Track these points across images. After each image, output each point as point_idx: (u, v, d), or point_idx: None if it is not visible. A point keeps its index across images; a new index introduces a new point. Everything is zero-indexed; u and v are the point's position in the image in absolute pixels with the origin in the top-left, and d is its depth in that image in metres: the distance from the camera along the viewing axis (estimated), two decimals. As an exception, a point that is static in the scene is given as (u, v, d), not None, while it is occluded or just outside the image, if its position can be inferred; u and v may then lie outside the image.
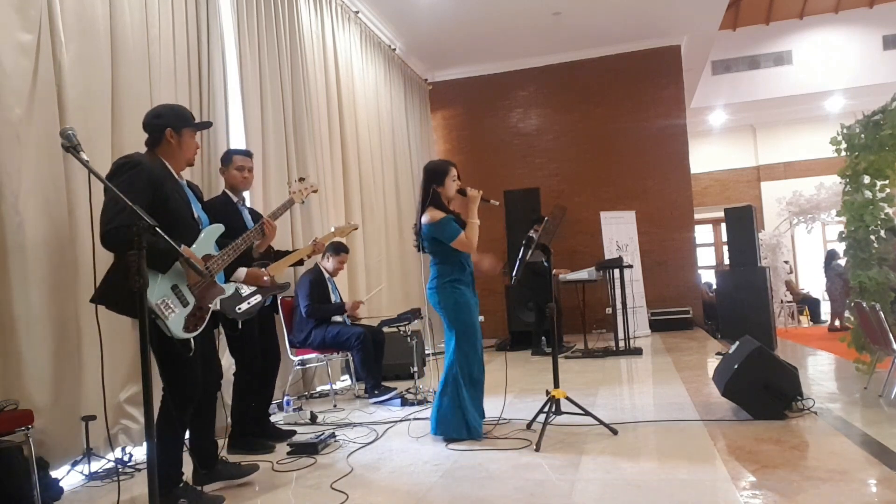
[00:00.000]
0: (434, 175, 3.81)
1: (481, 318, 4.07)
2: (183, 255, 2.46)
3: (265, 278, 3.63)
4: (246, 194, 4.10)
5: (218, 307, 2.91)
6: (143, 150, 2.85)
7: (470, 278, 3.85)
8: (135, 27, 4.00)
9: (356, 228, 4.68)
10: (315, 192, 3.91)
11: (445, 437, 3.69)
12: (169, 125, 2.78)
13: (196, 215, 2.86)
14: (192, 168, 3.31)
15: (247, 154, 3.98)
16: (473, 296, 3.85)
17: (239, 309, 3.55)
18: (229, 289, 2.93)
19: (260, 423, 3.96)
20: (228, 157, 3.93)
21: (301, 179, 3.80)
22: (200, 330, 2.69)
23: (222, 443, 3.68)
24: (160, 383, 2.68)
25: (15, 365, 3.05)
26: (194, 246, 2.73)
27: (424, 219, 3.75)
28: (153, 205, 2.57)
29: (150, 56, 4.10)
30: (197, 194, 3.03)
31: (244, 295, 3.58)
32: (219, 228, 2.91)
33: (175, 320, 2.57)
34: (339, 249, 5.33)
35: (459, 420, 3.68)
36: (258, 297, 3.65)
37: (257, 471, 3.14)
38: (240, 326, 3.65)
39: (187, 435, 2.92)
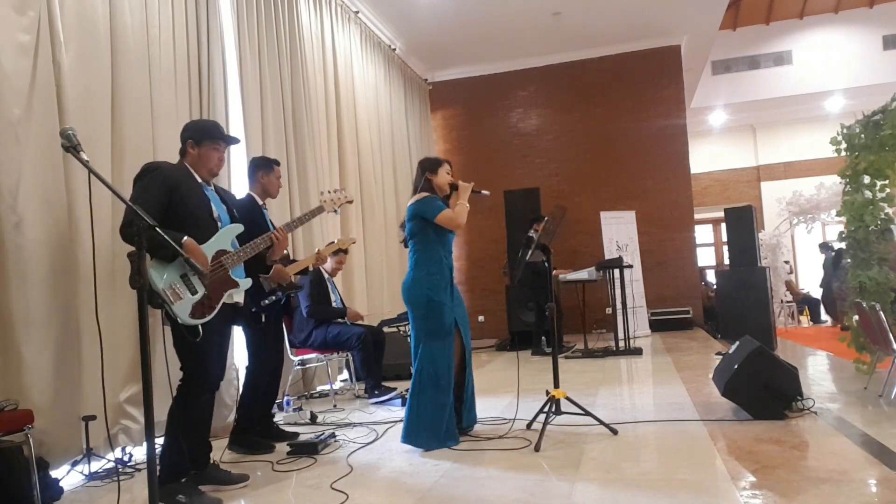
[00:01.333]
0: (427, 165, 3.82)
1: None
2: (184, 254, 2.55)
3: (290, 276, 3.84)
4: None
5: (235, 300, 2.98)
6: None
7: (449, 275, 3.70)
8: (135, 27, 4.00)
9: (354, 242, 4.89)
10: (350, 202, 4.01)
11: (411, 445, 3.53)
12: (190, 138, 3.05)
13: (216, 215, 3.03)
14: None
15: (279, 164, 4.16)
16: (451, 295, 3.68)
17: (263, 302, 3.68)
18: (245, 283, 3.04)
19: (263, 423, 3.97)
20: (269, 165, 4.05)
21: (336, 190, 3.88)
22: (209, 318, 2.82)
23: (223, 443, 3.69)
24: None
25: (15, 365, 3.05)
26: (208, 242, 2.89)
27: (411, 201, 3.72)
28: (170, 204, 2.84)
29: (150, 56, 4.10)
30: (224, 197, 3.21)
31: (267, 290, 3.68)
32: (237, 228, 3.07)
33: (181, 306, 2.73)
34: (337, 250, 5.33)
35: (420, 427, 3.51)
36: (278, 294, 3.78)
37: (247, 480, 3.12)
38: (262, 320, 3.72)
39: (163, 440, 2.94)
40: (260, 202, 3.97)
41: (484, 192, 3.82)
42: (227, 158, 4.65)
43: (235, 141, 3.36)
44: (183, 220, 2.83)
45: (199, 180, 3.03)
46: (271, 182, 4.02)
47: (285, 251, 3.92)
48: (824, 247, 11.51)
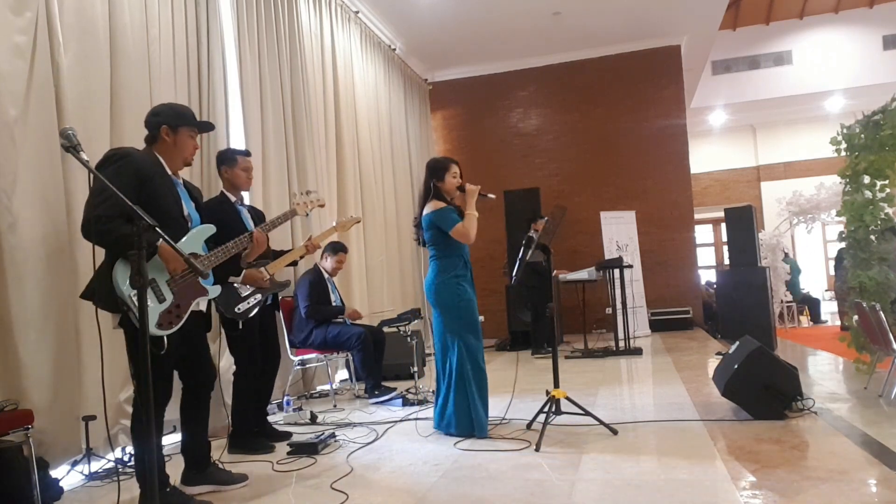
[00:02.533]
0: (434, 171, 3.91)
1: (481, 318, 4.06)
2: (184, 254, 2.42)
3: (265, 278, 3.65)
4: (245, 193, 4.09)
5: (200, 307, 2.90)
6: (141, 147, 2.86)
7: (470, 274, 3.90)
8: (134, 27, 4.00)
9: (358, 221, 4.53)
10: (322, 206, 3.87)
11: (454, 434, 3.74)
12: (165, 123, 2.80)
13: (186, 213, 2.84)
14: (190, 168, 3.31)
15: (248, 154, 3.99)
16: (473, 292, 3.91)
17: (238, 309, 3.55)
18: (214, 291, 2.87)
19: (259, 423, 3.96)
20: (232, 157, 3.86)
21: (308, 192, 3.78)
22: (175, 329, 2.65)
23: (223, 443, 3.69)
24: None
25: (13, 365, 3.05)
26: (179, 244, 2.68)
27: (426, 209, 3.84)
28: (140, 198, 2.54)
29: (149, 56, 4.10)
30: (193, 194, 3.01)
31: (243, 295, 3.58)
32: (209, 229, 2.88)
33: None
34: (336, 249, 5.33)
35: (467, 418, 3.73)
36: (258, 297, 3.65)
37: (247, 480, 3.10)
38: (240, 326, 3.64)
39: (179, 436, 2.93)
40: (233, 199, 3.82)
41: (490, 195, 3.90)
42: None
43: (210, 127, 3.10)
44: (152, 218, 2.53)
45: (170, 173, 2.81)
46: (236, 175, 3.82)
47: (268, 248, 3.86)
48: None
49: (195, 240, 2.81)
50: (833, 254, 11.50)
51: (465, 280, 3.85)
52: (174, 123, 2.81)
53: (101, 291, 2.53)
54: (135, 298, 2.46)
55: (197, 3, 4.65)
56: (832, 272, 11.83)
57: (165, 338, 2.61)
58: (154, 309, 2.57)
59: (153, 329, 2.55)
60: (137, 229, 2.04)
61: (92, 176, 2.16)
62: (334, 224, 4.25)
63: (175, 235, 2.67)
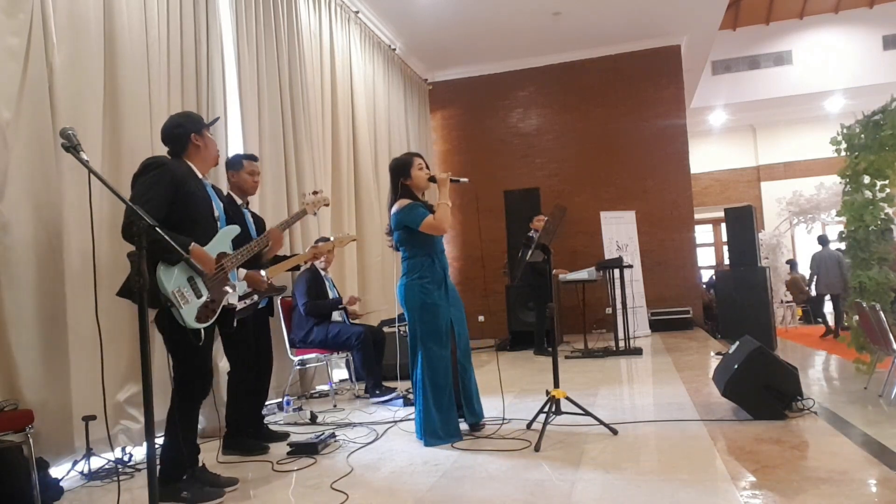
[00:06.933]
0: (398, 170, 3.79)
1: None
2: (185, 255, 2.50)
3: (263, 281, 3.69)
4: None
5: (230, 302, 2.99)
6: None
7: (441, 275, 3.74)
8: (133, 29, 3.99)
9: (355, 240, 4.70)
10: (327, 205, 4.00)
11: (424, 442, 3.63)
12: (192, 131, 2.98)
13: (217, 215, 3.01)
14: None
15: (256, 159, 4.07)
16: (446, 295, 3.73)
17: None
18: (240, 287, 3.07)
19: (254, 424, 3.96)
20: (239, 161, 3.98)
21: (315, 192, 3.87)
22: (211, 322, 2.81)
23: (217, 444, 3.68)
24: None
25: (8, 365, 3.05)
26: (210, 244, 2.87)
27: (393, 210, 3.73)
28: (176, 202, 2.77)
29: (148, 58, 4.09)
30: (220, 196, 3.18)
31: (241, 294, 3.61)
32: (235, 229, 3.06)
33: (189, 310, 2.71)
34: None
35: (429, 426, 3.62)
36: (254, 297, 3.69)
37: (237, 484, 3.05)
38: (234, 324, 3.66)
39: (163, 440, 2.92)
40: (238, 202, 3.92)
41: (462, 179, 3.78)
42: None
43: (216, 120, 3.30)
44: (185, 219, 2.79)
45: (201, 177, 2.99)
46: (242, 179, 3.92)
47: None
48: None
49: (223, 239, 2.98)
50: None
51: (432, 282, 3.67)
52: (198, 129, 2.98)
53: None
54: (178, 296, 2.66)
55: (196, 4, 4.64)
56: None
57: (203, 331, 2.78)
58: (194, 304, 2.74)
59: (193, 322, 2.72)
60: (138, 230, 2.11)
61: (102, 184, 2.19)
62: (332, 239, 4.40)
63: (207, 235, 2.87)
